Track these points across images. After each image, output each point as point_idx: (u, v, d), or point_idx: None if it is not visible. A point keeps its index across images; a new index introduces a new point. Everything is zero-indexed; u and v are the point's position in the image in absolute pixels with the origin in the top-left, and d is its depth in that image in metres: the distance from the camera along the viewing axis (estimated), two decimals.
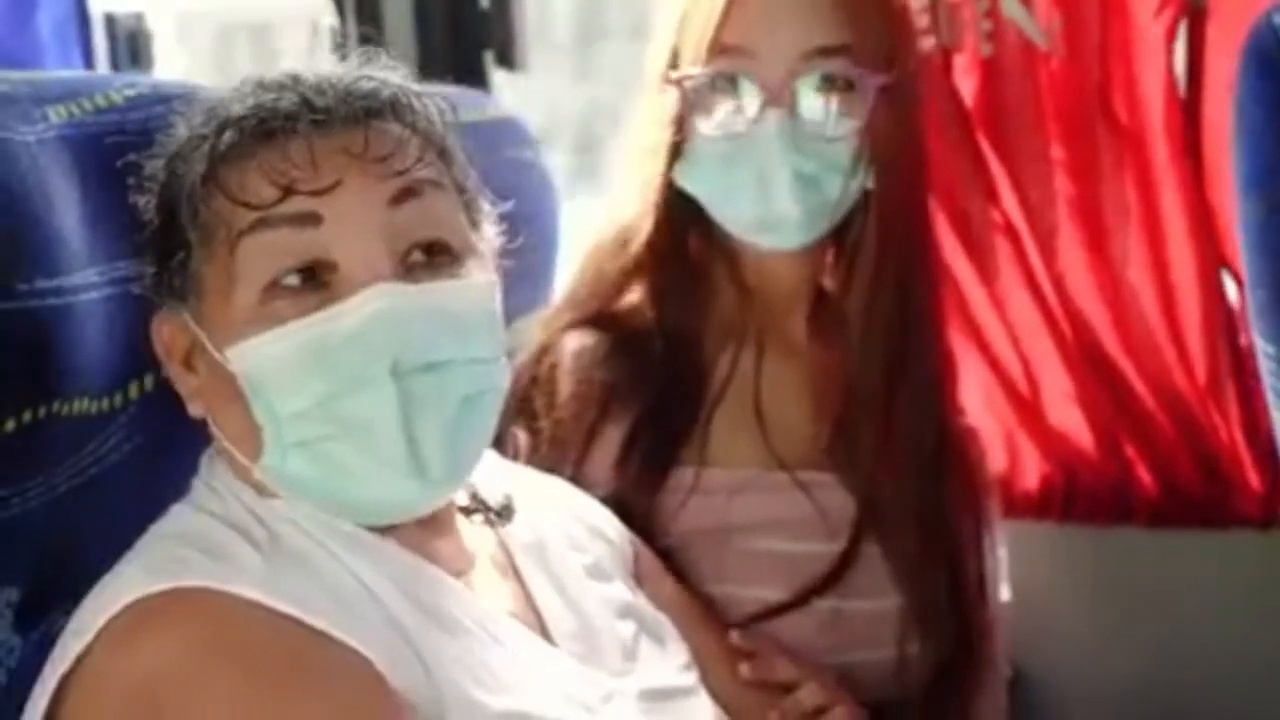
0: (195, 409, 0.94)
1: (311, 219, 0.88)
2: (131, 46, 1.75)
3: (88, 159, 0.93)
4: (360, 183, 0.88)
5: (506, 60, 1.76)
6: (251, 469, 0.91)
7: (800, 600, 1.22)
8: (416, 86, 0.94)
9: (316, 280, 0.88)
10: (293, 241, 0.88)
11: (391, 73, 0.94)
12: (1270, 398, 0.77)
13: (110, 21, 1.74)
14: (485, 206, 0.98)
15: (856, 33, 1.21)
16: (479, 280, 0.93)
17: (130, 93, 0.98)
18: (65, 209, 0.90)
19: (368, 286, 0.87)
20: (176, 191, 0.91)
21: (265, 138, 0.89)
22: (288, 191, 0.87)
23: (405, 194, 0.90)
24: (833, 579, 1.23)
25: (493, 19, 1.76)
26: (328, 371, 0.87)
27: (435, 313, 0.89)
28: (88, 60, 1.72)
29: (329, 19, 1.73)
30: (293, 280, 0.88)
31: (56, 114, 0.93)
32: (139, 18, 1.76)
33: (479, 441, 0.95)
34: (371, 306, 0.87)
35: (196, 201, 0.89)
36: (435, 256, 0.91)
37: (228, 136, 0.89)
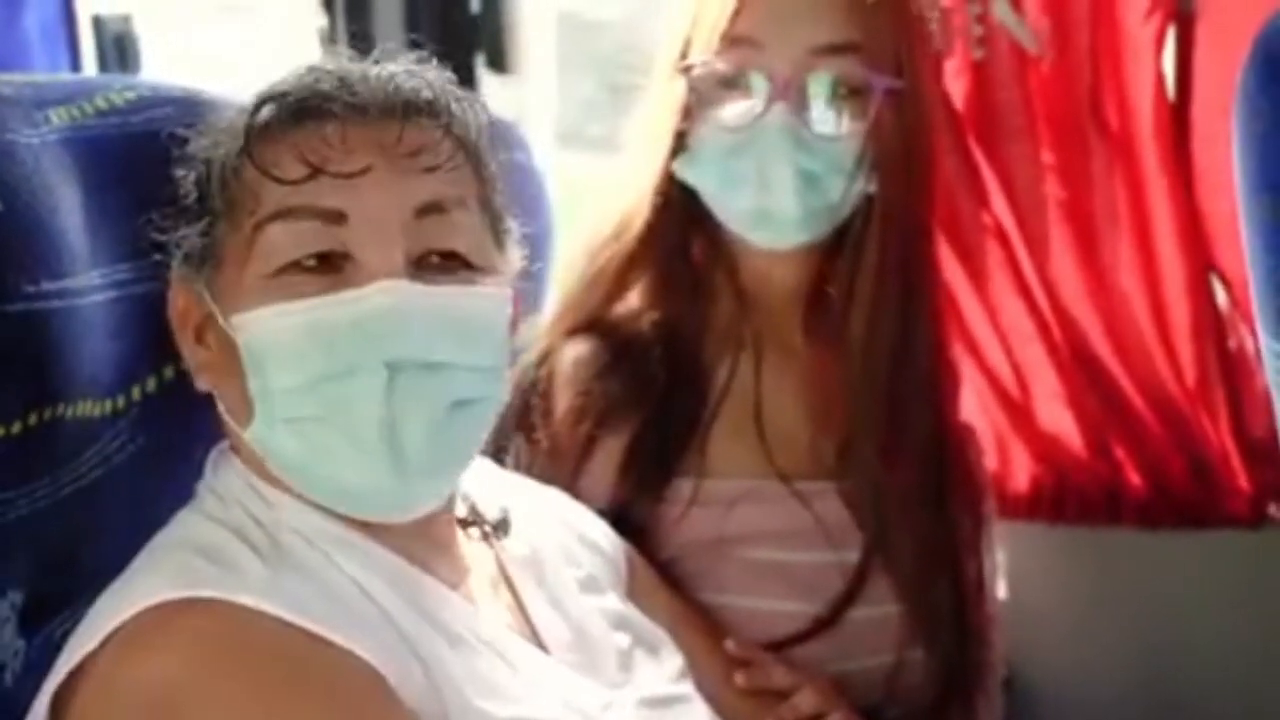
0: (202, 382, 0.95)
1: (338, 217, 0.89)
2: (119, 48, 1.75)
3: (89, 161, 0.93)
4: (389, 176, 0.90)
5: (497, 63, 1.77)
6: (253, 449, 0.92)
7: (834, 615, 1.23)
8: (458, 91, 0.95)
9: (332, 265, 0.90)
10: (316, 233, 0.89)
11: (435, 74, 0.95)
12: (1277, 398, 0.78)
13: (98, 23, 1.73)
14: (511, 226, 0.99)
15: (866, 33, 1.22)
16: (489, 290, 0.94)
17: (131, 95, 0.98)
18: (68, 211, 0.90)
19: (379, 279, 0.88)
20: (210, 161, 0.92)
21: (302, 117, 0.90)
22: (317, 170, 0.89)
23: (431, 208, 0.91)
24: (855, 590, 1.23)
25: (483, 22, 1.77)
26: (324, 354, 0.88)
27: (439, 314, 0.90)
28: (75, 62, 1.72)
29: (319, 19, 1.73)
30: (309, 263, 0.89)
31: (58, 116, 0.93)
32: (126, 20, 1.76)
33: (466, 448, 0.95)
34: (378, 299, 0.88)
35: (227, 173, 0.91)
36: (450, 264, 0.92)
37: (265, 112, 0.91)
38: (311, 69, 0.93)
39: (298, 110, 0.91)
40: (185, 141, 0.95)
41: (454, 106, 0.94)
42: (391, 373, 0.88)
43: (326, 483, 0.91)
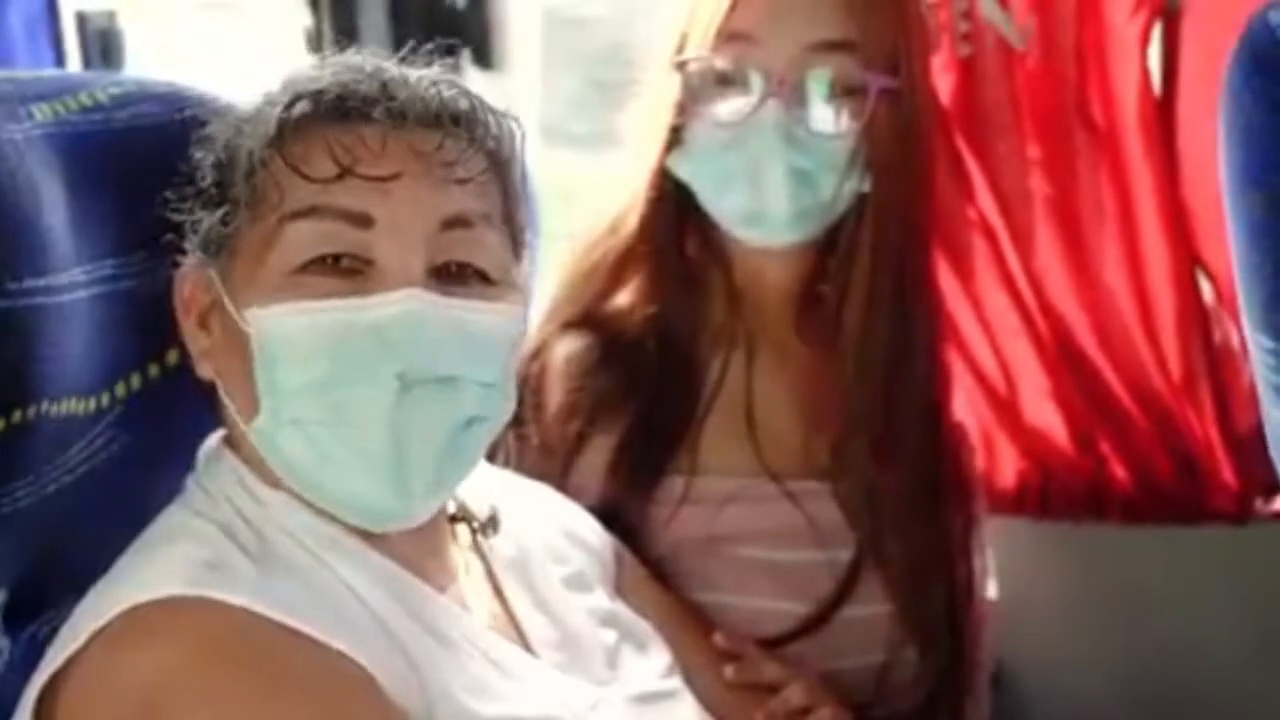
0: (204, 370, 0.94)
1: (364, 220, 0.88)
2: (103, 45, 1.74)
3: (73, 157, 0.93)
4: (419, 184, 0.89)
5: (483, 60, 1.77)
6: (251, 446, 0.92)
7: (824, 614, 1.23)
8: (493, 104, 0.94)
9: (352, 269, 0.89)
10: (341, 235, 0.89)
11: (469, 85, 0.94)
12: (1264, 393, 0.78)
13: (81, 19, 1.73)
14: (530, 239, 0.99)
15: (863, 31, 1.22)
16: (505, 306, 0.93)
17: (115, 91, 0.98)
18: (52, 207, 0.90)
19: (399, 288, 0.88)
20: (237, 148, 0.91)
21: (338, 116, 0.90)
22: (347, 171, 0.88)
23: (457, 222, 0.90)
24: (846, 590, 1.23)
25: (469, 18, 1.77)
26: (336, 358, 0.88)
27: (455, 326, 0.89)
28: (59, 58, 1.71)
29: (304, 18, 1.73)
30: (329, 261, 0.89)
31: (41, 112, 0.92)
32: (111, 16, 1.75)
33: (466, 466, 0.95)
34: (398, 307, 0.88)
35: (255, 161, 0.90)
36: (467, 275, 0.92)
37: (301, 106, 0.90)
38: (349, 67, 0.92)
39: (335, 109, 0.90)
40: (204, 124, 0.94)
41: (489, 120, 0.93)
42: (403, 385, 0.87)
43: (326, 488, 0.90)
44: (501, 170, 0.94)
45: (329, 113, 0.90)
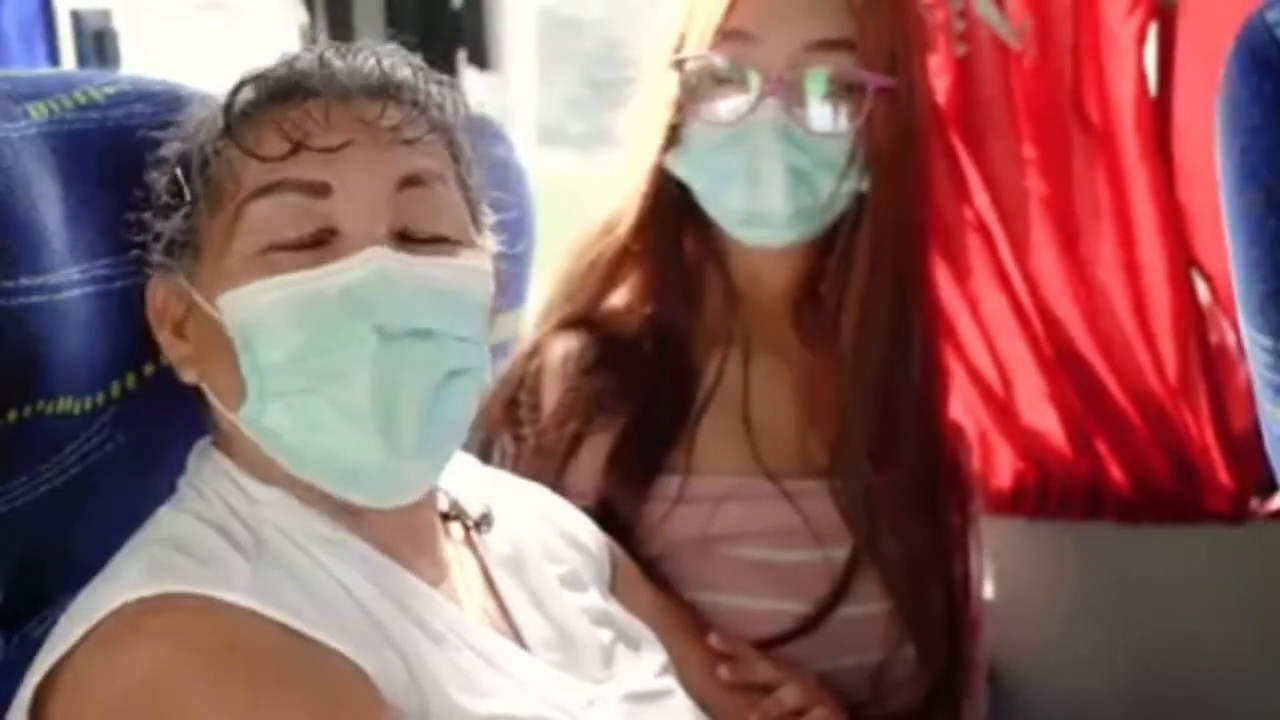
0: (188, 375, 0.95)
1: (322, 189, 0.90)
2: (98, 44, 1.74)
3: (69, 156, 0.93)
4: (370, 151, 0.91)
5: (479, 60, 1.77)
6: (242, 442, 0.92)
7: (821, 614, 1.23)
8: (435, 73, 0.96)
9: (316, 240, 0.90)
10: (301, 207, 0.90)
11: (411, 57, 0.96)
12: (1260, 391, 0.78)
13: (76, 19, 1.73)
14: (486, 211, 0.99)
15: (861, 30, 1.22)
16: (472, 264, 0.95)
17: (111, 90, 0.98)
18: (47, 206, 0.90)
19: (364, 249, 0.89)
20: (189, 151, 0.92)
21: (282, 97, 0.91)
22: (299, 146, 0.89)
23: (412, 181, 0.92)
24: (844, 588, 1.23)
25: (465, 18, 1.77)
26: (314, 325, 0.88)
27: (425, 283, 0.90)
28: (53, 58, 1.72)
29: (299, 17, 1.73)
30: (293, 238, 0.90)
31: (37, 111, 0.92)
32: (105, 15, 1.75)
33: (457, 422, 0.94)
34: (366, 267, 0.88)
35: (209, 155, 0.91)
36: (432, 240, 0.93)
37: (246, 93, 0.92)
38: (289, 54, 0.94)
39: (278, 89, 0.92)
40: (159, 143, 0.95)
41: (430, 86, 0.95)
42: (381, 338, 0.88)
43: (319, 460, 0.90)
44: (448, 134, 0.96)
45: (274, 95, 0.92)
